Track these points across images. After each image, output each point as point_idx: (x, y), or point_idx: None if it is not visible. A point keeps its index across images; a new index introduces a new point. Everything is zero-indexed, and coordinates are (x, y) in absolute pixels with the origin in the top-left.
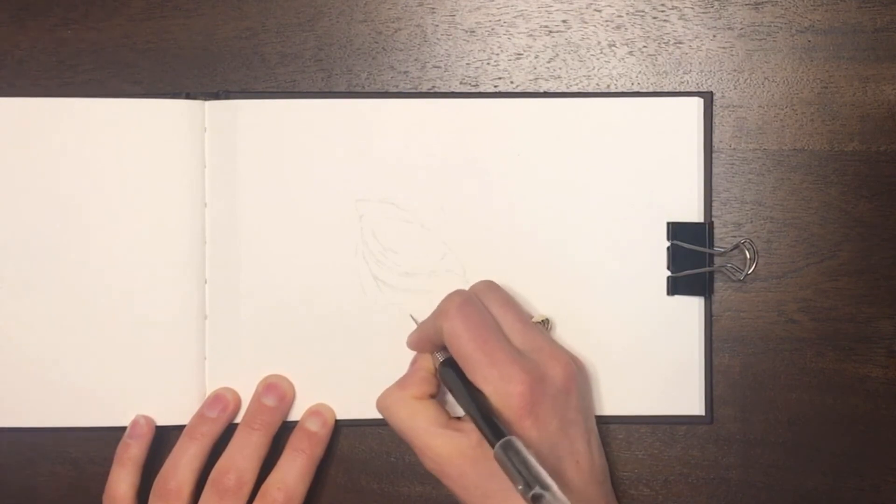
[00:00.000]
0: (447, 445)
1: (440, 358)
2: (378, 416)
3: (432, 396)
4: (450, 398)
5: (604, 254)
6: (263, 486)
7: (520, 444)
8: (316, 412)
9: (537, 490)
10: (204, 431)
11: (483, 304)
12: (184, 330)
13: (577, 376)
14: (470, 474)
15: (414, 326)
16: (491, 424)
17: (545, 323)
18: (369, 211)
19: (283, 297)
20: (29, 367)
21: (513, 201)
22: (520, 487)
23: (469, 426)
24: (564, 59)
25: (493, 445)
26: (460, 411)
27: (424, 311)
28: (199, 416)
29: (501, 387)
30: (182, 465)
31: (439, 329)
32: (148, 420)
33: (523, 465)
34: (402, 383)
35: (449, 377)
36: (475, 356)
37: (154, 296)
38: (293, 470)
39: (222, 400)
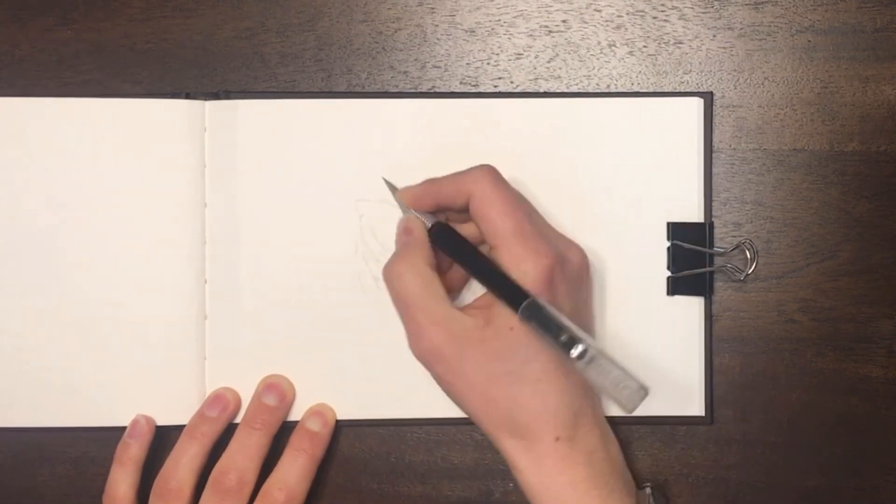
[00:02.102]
0: (454, 324)
1: (428, 223)
2: (378, 416)
3: (436, 267)
4: None
5: (604, 254)
6: (264, 487)
7: (547, 304)
8: (317, 412)
9: (583, 344)
10: (204, 431)
11: None
12: (184, 330)
13: (590, 268)
14: (473, 356)
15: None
16: (511, 287)
17: None
18: (369, 211)
19: (284, 297)
20: (29, 367)
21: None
22: (563, 338)
23: (472, 308)
24: (564, 59)
25: (515, 309)
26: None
27: None
28: (200, 416)
29: (526, 258)
30: (182, 464)
31: (463, 191)
32: (148, 420)
33: (558, 324)
34: (410, 250)
35: (448, 241)
36: (505, 224)
37: (154, 296)
38: (294, 470)
39: (222, 400)
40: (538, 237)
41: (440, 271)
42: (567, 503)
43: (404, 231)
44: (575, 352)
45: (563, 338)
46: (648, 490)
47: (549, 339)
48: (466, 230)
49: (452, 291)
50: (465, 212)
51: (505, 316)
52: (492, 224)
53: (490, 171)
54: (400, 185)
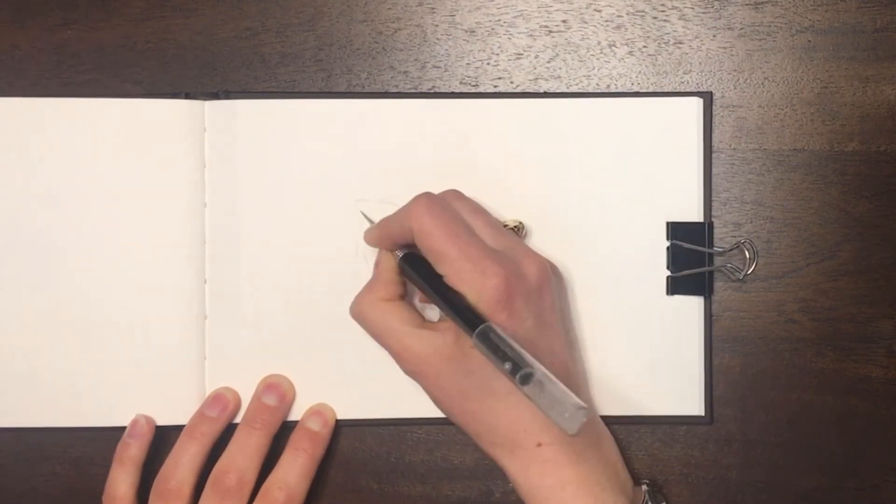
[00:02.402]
0: (423, 345)
1: (399, 254)
2: (378, 416)
3: (401, 297)
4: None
5: (604, 253)
6: (264, 486)
7: (499, 330)
8: (317, 412)
9: (526, 370)
10: (204, 431)
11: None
12: (184, 330)
13: (552, 277)
14: (446, 373)
15: (365, 222)
16: (465, 314)
17: (518, 228)
18: (369, 211)
19: (283, 297)
20: (29, 367)
21: (512, 201)
22: (507, 366)
23: (443, 325)
24: (564, 59)
25: (469, 334)
26: (432, 315)
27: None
28: (200, 416)
29: (476, 280)
30: (182, 464)
31: (406, 228)
32: (148, 420)
33: (505, 350)
34: (369, 287)
35: (413, 273)
36: (449, 252)
37: (154, 296)
38: (294, 469)
39: (222, 399)
40: (485, 258)
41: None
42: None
43: (374, 264)
44: (516, 377)
45: (507, 365)
46: (645, 487)
47: (497, 366)
48: None
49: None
50: None
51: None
52: (437, 255)
53: (425, 202)
54: (402, 186)
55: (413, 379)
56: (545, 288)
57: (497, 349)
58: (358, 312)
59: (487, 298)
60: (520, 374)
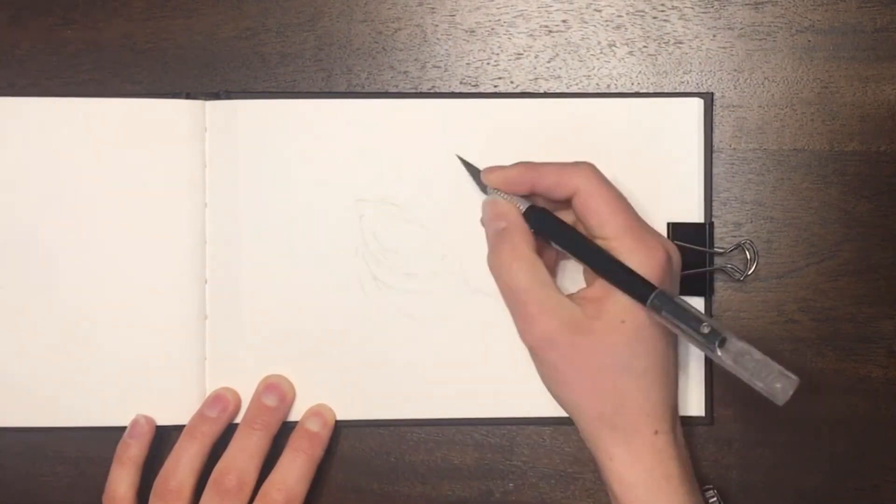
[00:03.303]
0: (566, 311)
1: (522, 207)
2: (378, 416)
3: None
4: None
5: None
6: (263, 487)
7: (675, 296)
8: (316, 412)
9: (723, 334)
10: (204, 431)
11: None
12: (184, 330)
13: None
14: (583, 346)
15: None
16: (636, 277)
17: None
18: (369, 211)
19: (284, 297)
20: (29, 367)
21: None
22: (704, 330)
23: (581, 298)
24: (564, 59)
25: (641, 297)
26: None
27: (425, 312)
28: (200, 416)
29: (642, 251)
30: (182, 464)
31: (566, 182)
32: (148, 420)
33: (695, 314)
34: (511, 237)
35: (550, 227)
36: (616, 219)
37: (154, 296)
38: (293, 470)
39: (222, 400)
40: (649, 233)
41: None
42: (659, 496)
43: (495, 216)
44: (718, 341)
45: (705, 329)
46: (713, 496)
47: (688, 329)
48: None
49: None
50: (558, 203)
51: (617, 309)
52: (602, 219)
53: (596, 169)
54: (402, 186)
55: (538, 348)
56: (679, 274)
57: (684, 314)
58: (504, 263)
59: (650, 270)
60: (720, 336)
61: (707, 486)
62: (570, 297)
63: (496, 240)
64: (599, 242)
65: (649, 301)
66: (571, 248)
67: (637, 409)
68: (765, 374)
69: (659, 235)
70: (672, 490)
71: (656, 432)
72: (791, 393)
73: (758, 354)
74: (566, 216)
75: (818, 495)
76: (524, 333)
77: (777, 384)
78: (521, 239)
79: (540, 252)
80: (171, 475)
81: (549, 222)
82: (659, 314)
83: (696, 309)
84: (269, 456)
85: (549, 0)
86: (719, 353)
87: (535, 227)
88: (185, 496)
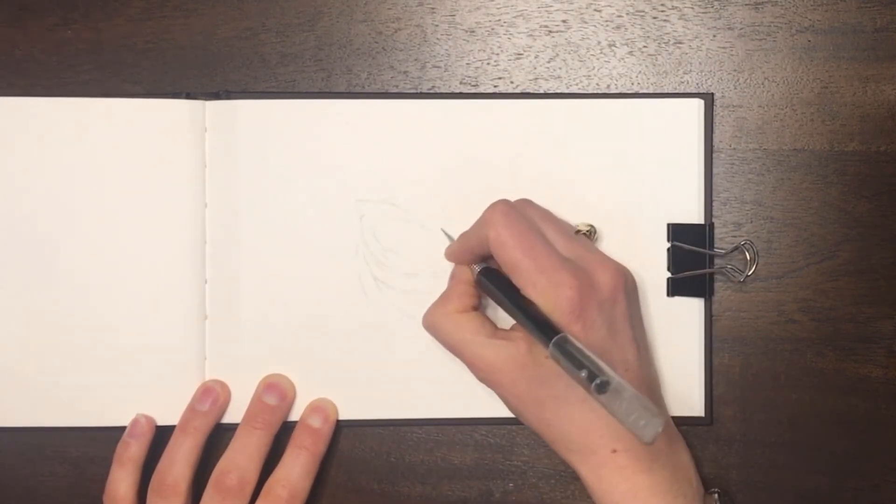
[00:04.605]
0: (497, 354)
1: (477, 269)
2: (378, 416)
3: (475, 308)
4: (497, 311)
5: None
6: (267, 484)
7: (574, 340)
8: (318, 408)
9: (602, 378)
10: (196, 426)
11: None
12: (184, 330)
13: (625, 285)
14: (520, 381)
15: (445, 240)
16: (540, 325)
17: (589, 232)
18: (369, 211)
19: (284, 297)
20: (29, 367)
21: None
22: (583, 375)
23: (517, 335)
24: (564, 59)
25: (545, 345)
26: (504, 323)
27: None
28: (191, 411)
29: (550, 291)
30: (178, 460)
31: (483, 238)
32: (148, 419)
33: (581, 360)
34: (443, 299)
35: (489, 286)
36: (522, 263)
37: (154, 296)
38: (297, 467)
39: (212, 392)
40: (559, 268)
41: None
42: None
43: (450, 277)
44: (592, 386)
45: (583, 374)
46: (716, 496)
47: (573, 375)
48: None
49: None
50: None
51: (542, 345)
52: (511, 266)
53: (500, 210)
54: (402, 186)
55: (488, 386)
56: (618, 296)
57: (573, 358)
58: (431, 324)
59: (561, 309)
60: (595, 382)
61: (712, 490)
62: (512, 333)
63: (433, 302)
64: (519, 287)
65: (549, 350)
66: (498, 301)
67: (586, 434)
68: (633, 415)
69: (578, 264)
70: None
71: (614, 451)
72: (655, 435)
73: (630, 395)
74: None
75: (818, 495)
76: (475, 375)
77: (641, 422)
78: (454, 298)
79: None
80: (167, 471)
81: (488, 281)
82: (557, 360)
83: (586, 354)
84: (270, 455)
85: (549, 0)
86: (598, 397)
87: (480, 285)
88: (182, 491)
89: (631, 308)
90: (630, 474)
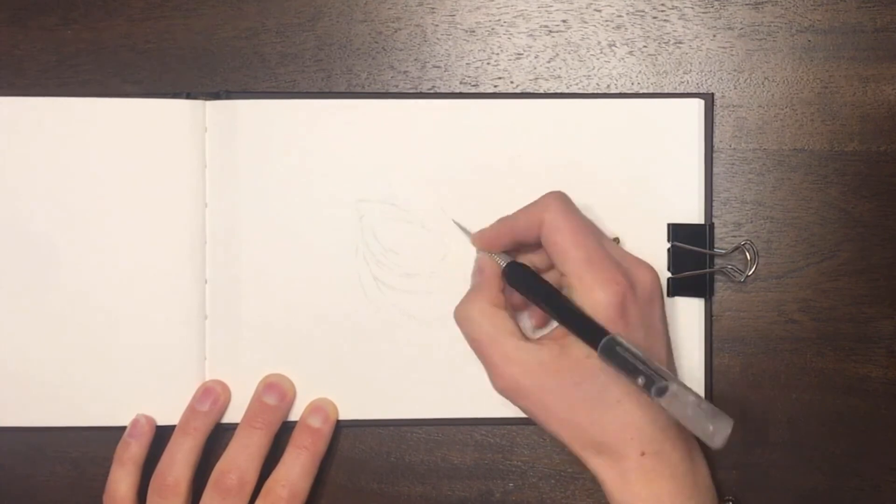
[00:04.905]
0: (528, 358)
1: (502, 262)
2: (378, 416)
3: (504, 307)
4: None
5: None
6: (267, 484)
7: (624, 340)
8: (318, 408)
9: (661, 383)
10: (196, 426)
11: None
12: (184, 330)
13: (660, 285)
14: (551, 387)
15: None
16: (587, 323)
17: (616, 241)
18: (370, 211)
19: (284, 297)
20: (29, 367)
21: (513, 202)
22: (640, 381)
23: (546, 339)
24: (564, 59)
25: (594, 345)
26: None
27: (425, 312)
28: (191, 411)
29: (596, 287)
30: (178, 460)
31: (535, 220)
32: (148, 419)
33: (633, 362)
34: (478, 291)
35: (521, 280)
36: (573, 252)
37: (154, 296)
38: (297, 467)
39: (212, 392)
40: (608, 264)
41: (523, 307)
42: None
43: (477, 271)
44: (654, 391)
45: (640, 380)
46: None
47: (629, 380)
48: (536, 258)
49: (540, 326)
50: (539, 242)
51: (580, 345)
52: (562, 252)
53: (559, 198)
54: (402, 186)
55: (508, 396)
56: (655, 297)
57: (622, 360)
58: (467, 317)
59: (607, 306)
60: (655, 386)
61: (727, 498)
62: (540, 339)
63: (467, 294)
64: (562, 276)
65: (598, 350)
66: (534, 298)
67: (619, 435)
68: (701, 419)
69: (621, 263)
70: None
71: (643, 454)
72: (725, 438)
73: (693, 399)
74: None
75: (818, 495)
76: (493, 383)
77: (710, 427)
78: (486, 293)
79: (522, 305)
80: (167, 471)
81: (519, 276)
82: (607, 362)
83: (640, 357)
84: (270, 455)
85: (549, 0)
86: (659, 401)
87: (509, 281)
88: (182, 491)
89: (663, 309)
90: (655, 479)
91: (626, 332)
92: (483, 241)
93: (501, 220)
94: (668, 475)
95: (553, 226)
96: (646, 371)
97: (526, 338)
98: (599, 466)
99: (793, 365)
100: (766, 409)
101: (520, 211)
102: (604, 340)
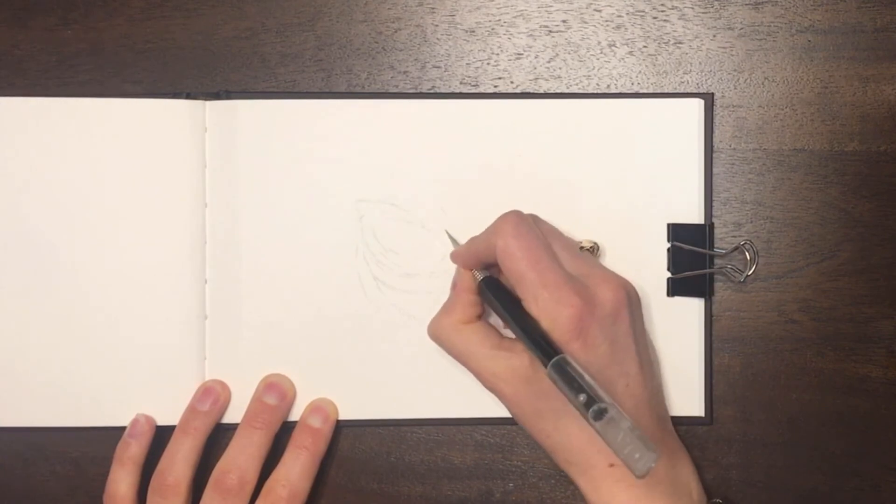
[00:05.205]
0: (500, 365)
1: (479, 276)
2: (378, 416)
3: (478, 317)
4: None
5: (604, 255)
6: (267, 483)
7: (573, 362)
8: (318, 408)
9: (599, 405)
10: (197, 426)
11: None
12: (184, 330)
13: (628, 300)
14: (522, 392)
15: (446, 240)
16: (540, 343)
17: (593, 249)
18: (370, 211)
19: (284, 297)
20: (29, 367)
21: (513, 202)
22: (581, 399)
23: (520, 346)
24: (564, 59)
25: (544, 364)
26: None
27: (425, 312)
28: (191, 411)
29: (551, 308)
30: (178, 460)
31: (491, 245)
32: (148, 419)
33: (580, 382)
34: (448, 309)
35: (490, 296)
36: (527, 275)
37: (154, 296)
38: (297, 467)
39: (212, 392)
40: (562, 285)
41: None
42: None
43: (451, 286)
44: (589, 412)
45: (581, 398)
46: None
47: (570, 399)
48: None
49: None
50: None
51: None
52: (516, 277)
53: (512, 220)
54: (402, 186)
55: (494, 395)
56: (620, 312)
57: (571, 380)
58: (436, 335)
59: (561, 327)
60: (593, 409)
61: (714, 501)
62: (514, 346)
63: (438, 311)
64: (521, 299)
65: (548, 370)
66: (500, 314)
67: (584, 447)
68: (628, 446)
69: (581, 280)
70: None
71: (612, 465)
72: (647, 469)
73: (627, 425)
74: None
75: (818, 495)
76: (480, 383)
77: (636, 454)
78: (458, 308)
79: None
80: (167, 471)
81: (492, 290)
82: (554, 380)
83: (585, 378)
84: (270, 455)
85: (549, 0)
86: (597, 425)
87: (482, 295)
88: (182, 491)
89: (634, 323)
90: (626, 487)
91: (583, 349)
92: (456, 258)
93: (469, 242)
94: (642, 482)
95: (505, 252)
96: (589, 392)
97: (502, 343)
98: (571, 474)
99: (793, 365)
100: (765, 409)
101: (480, 235)
102: (553, 360)
